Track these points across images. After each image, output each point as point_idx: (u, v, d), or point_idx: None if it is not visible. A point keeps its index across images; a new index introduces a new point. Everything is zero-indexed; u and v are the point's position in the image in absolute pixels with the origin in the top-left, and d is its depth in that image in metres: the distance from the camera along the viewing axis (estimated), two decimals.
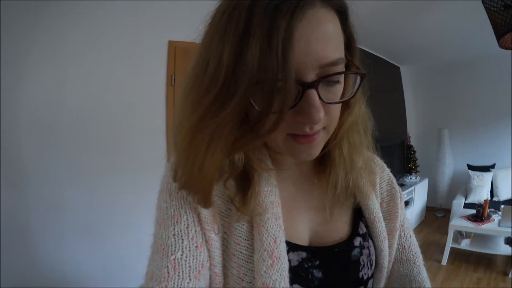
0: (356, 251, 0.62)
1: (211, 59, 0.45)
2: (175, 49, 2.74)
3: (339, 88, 0.49)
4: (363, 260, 0.62)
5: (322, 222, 0.64)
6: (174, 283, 0.48)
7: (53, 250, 2.21)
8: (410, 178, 5.32)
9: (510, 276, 3.31)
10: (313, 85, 0.44)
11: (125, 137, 2.52)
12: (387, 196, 0.73)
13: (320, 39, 0.43)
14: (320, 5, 0.44)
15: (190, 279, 0.49)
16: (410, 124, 6.28)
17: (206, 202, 0.52)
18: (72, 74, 2.27)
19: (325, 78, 0.45)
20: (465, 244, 3.76)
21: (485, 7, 2.47)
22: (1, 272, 1.95)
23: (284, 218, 0.56)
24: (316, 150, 0.52)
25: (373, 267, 0.65)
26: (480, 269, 3.56)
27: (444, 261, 3.77)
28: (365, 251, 0.63)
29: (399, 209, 0.72)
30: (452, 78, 5.80)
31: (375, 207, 0.67)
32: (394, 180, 0.76)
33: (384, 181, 0.74)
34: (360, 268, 0.62)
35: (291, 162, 0.63)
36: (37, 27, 2.11)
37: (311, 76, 0.44)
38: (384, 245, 0.66)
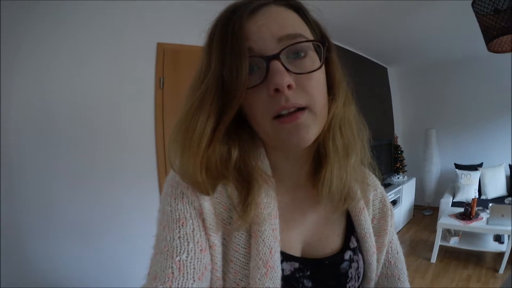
0: (345, 264, 0.65)
1: (202, 66, 0.55)
2: (163, 51, 2.73)
3: (307, 62, 0.53)
4: (351, 273, 0.65)
5: (315, 233, 0.67)
6: (178, 283, 0.49)
7: (46, 252, 2.20)
8: (398, 178, 5.38)
9: (500, 272, 3.36)
10: (275, 56, 0.50)
11: (114, 139, 2.51)
12: (379, 213, 0.75)
13: (272, 21, 0.52)
14: (273, 3, 0.54)
15: (194, 280, 0.50)
16: (397, 124, 6.36)
17: (207, 188, 0.55)
18: (62, 76, 2.26)
19: (285, 49, 0.50)
20: (454, 242, 3.80)
21: (474, 11, 2.51)
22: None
23: (280, 229, 0.58)
24: (305, 133, 0.53)
25: (360, 280, 0.68)
26: (470, 266, 3.61)
27: (433, 258, 3.81)
28: (354, 264, 0.66)
29: (389, 227, 0.74)
30: (439, 78, 5.89)
31: (366, 223, 0.69)
32: (387, 198, 0.78)
33: (377, 198, 0.76)
34: (348, 280, 0.65)
35: (289, 171, 0.65)
36: (27, 30, 2.09)
37: (272, 50, 0.51)
38: (373, 259, 0.69)
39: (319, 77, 0.55)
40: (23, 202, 2.11)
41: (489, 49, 2.68)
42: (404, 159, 5.80)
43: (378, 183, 0.78)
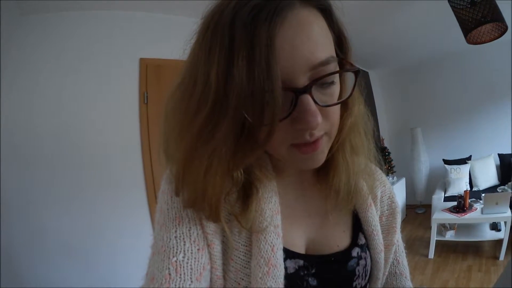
0: (353, 262, 0.62)
1: (198, 78, 0.44)
2: (146, 66, 2.73)
3: (335, 89, 0.48)
4: (358, 271, 0.63)
5: (320, 229, 0.64)
6: (175, 285, 0.47)
7: (35, 272, 2.17)
8: (387, 179, 5.37)
9: (501, 259, 3.38)
10: (306, 90, 0.43)
11: (100, 156, 2.49)
12: (387, 210, 0.73)
13: (305, 41, 0.42)
14: (300, 5, 0.44)
15: (191, 281, 0.49)
16: (383, 126, 6.41)
17: (215, 218, 0.52)
18: (44, 94, 2.27)
19: (318, 81, 0.44)
20: (450, 236, 3.82)
21: (451, 5, 2.59)
22: None
23: (283, 226, 0.56)
24: (321, 157, 0.51)
25: (367, 278, 0.66)
26: (469, 257, 3.62)
27: (431, 254, 3.81)
28: (362, 262, 0.64)
29: (398, 224, 0.72)
30: (420, 77, 5.99)
31: (374, 219, 0.67)
32: (394, 195, 0.76)
33: (385, 195, 0.74)
34: (355, 278, 0.62)
35: (291, 169, 0.64)
36: (9, 46, 2.07)
37: (302, 81, 0.43)
38: (380, 257, 0.67)
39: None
40: (8, 220, 2.08)
41: (468, 41, 2.75)
42: (392, 160, 5.84)
43: (385, 179, 0.76)
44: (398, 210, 0.73)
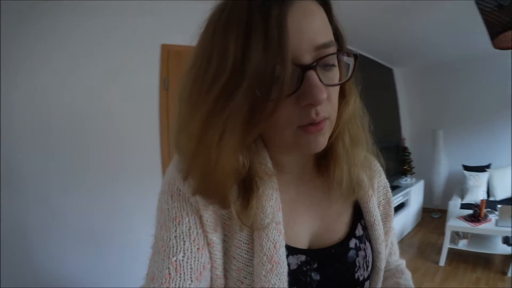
0: (352, 253, 0.63)
1: (215, 53, 0.46)
2: (168, 52, 2.73)
3: (336, 72, 0.52)
4: (358, 262, 0.64)
5: (322, 224, 0.65)
6: (175, 284, 0.48)
7: (51, 256, 2.21)
8: (406, 180, 5.31)
9: (509, 275, 3.30)
10: (312, 66, 0.46)
11: (119, 141, 2.51)
12: (383, 199, 0.75)
13: (310, 25, 0.47)
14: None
15: (191, 281, 0.50)
16: (405, 126, 6.29)
17: (224, 203, 0.52)
18: (66, 78, 2.27)
19: (322, 59, 0.48)
20: (462, 245, 3.75)
21: (478, 8, 2.49)
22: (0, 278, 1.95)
23: (284, 222, 0.57)
24: (324, 139, 0.53)
25: (369, 269, 0.67)
26: (479, 269, 3.56)
27: (442, 262, 3.76)
28: (361, 253, 0.65)
29: (392, 211, 0.76)
30: (446, 78, 5.82)
31: (375, 210, 0.68)
32: (388, 184, 0.79)
33: (381, 185, 0.76)
34: (356, 270, 0.63)
35: (292, 164, 0.64)
36: (26, 30, 2.10)
37: (307, 59, 0.47)
38: (382, 247, 0.68)
39: (339, 86, 0.55)
40: (25, 204, 2.12)
41: (495, 46, 2.65)
42: (412, 161, 5.76)
43: (381, 168, 0.77)
44: (392, 198, 0.77)
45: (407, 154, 5.79)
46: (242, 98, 0.44)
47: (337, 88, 0.53)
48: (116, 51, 2.48)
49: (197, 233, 0.53)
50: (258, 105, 0.45)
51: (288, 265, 0.55)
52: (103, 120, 2.44)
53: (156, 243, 0.54)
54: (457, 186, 5.23)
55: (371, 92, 4.94)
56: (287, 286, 0.53)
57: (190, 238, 0.52)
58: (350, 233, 0.66)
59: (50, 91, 2.20)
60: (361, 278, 0.64)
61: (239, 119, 0.46)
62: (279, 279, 0.52)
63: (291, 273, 0.55)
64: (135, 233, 2.32)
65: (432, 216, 5.68)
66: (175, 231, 0.52)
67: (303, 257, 0.59)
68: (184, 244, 0.51)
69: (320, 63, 0.48)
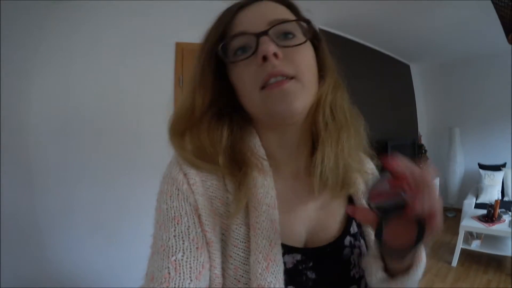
0: (346, 251, 0.63)
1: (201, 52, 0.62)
2: (182, 50, 2.76)
3: (295, 41, 0.57)
4: (353, 259, 0.64)
5: (317, 223, 0.65)
6: (175, 284, 0.48)
7: (61, 249, 2.25)
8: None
9: None
10: (265, 32, 0.54)
11: (133, 137, 2.56)
12: None
13: (265, 8, 0.58)
14: (266, 2, 0.60)
15: (191, 280, 0.50)
16: (421, 123, 6.20)
17: (218, 168, 0.58)
18: (81, 75, 2.32)
19: (274, 26, 0.55)
20: (475, 245, 3.69)
21: (493, 2, 2.43)
22: (7, 270, 1.98)
23: (281, 220, 0.57)
24: (292, 99, 0.54)
25: None
26: (490, 271, 3.49)
27: (454, 262, 3.70)
28: (356, 251, 0.64)
29: None
30: (463, 75, 5.70)
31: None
32: None
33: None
34: (351, 267, 0.63)
35: (287, 158, 0.65)
36: (46, 31, 2.16)
37: (263, 30, 0.55)
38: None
39: (307, 53, 0.59)
40: (43, 198, 2.17)
41: (510, 41, 2.59)
42: (428, 158, 5.66)
43: (373, 166, 0.77)
44: None
45: (423, 151, 5.69)
46: (207, 55, 0.59)
47: (302, 53, 0.58)
48: (131, 50, 2.52)
49: (196, 232, 0.53)
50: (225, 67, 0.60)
51: (284, 264, 0.55)
52: (118, 118, 2.48)
53: (155, 243, 0.55)
54: (472, 185, 5.12)
55: (387, 88, 4.88)
56: (283, 285, 0.53)
57: (189, 238, 0.53)
58: (345, 231, 0.65)
59: (68, 91, 2.26)
60: (356, 276, 0.63)
61: (208, 70, 0.60)
62: (275, 277, 0.52)
63: (287, 272, 0.56)
64: (147, 229, 2.37)
65: (447, 215, 5.59)
66: (174, 230, 0.53)
67: (298, 256, 0.59)
68: (183, 243, 0.52)
69: (276, 32, 0.55)
